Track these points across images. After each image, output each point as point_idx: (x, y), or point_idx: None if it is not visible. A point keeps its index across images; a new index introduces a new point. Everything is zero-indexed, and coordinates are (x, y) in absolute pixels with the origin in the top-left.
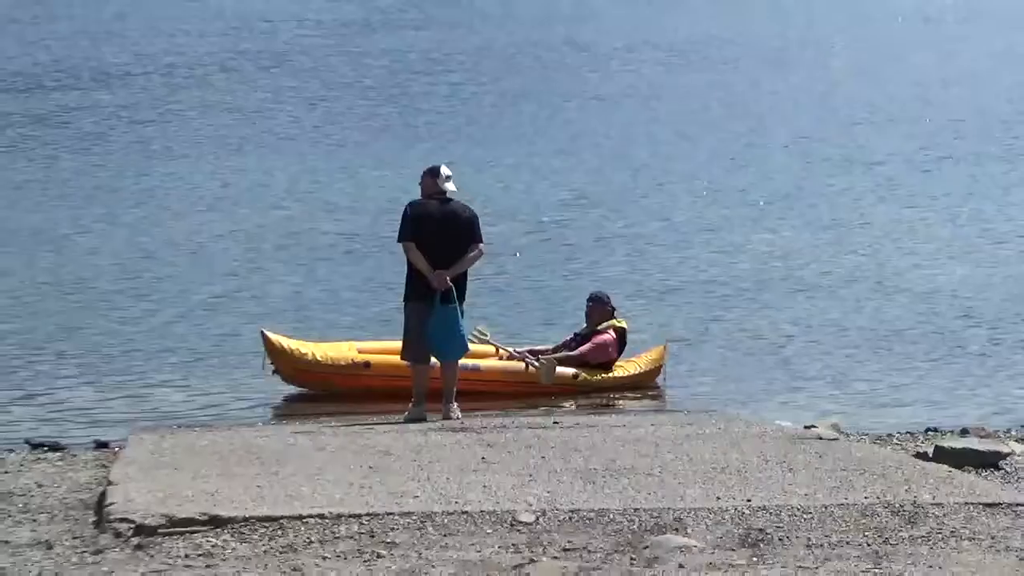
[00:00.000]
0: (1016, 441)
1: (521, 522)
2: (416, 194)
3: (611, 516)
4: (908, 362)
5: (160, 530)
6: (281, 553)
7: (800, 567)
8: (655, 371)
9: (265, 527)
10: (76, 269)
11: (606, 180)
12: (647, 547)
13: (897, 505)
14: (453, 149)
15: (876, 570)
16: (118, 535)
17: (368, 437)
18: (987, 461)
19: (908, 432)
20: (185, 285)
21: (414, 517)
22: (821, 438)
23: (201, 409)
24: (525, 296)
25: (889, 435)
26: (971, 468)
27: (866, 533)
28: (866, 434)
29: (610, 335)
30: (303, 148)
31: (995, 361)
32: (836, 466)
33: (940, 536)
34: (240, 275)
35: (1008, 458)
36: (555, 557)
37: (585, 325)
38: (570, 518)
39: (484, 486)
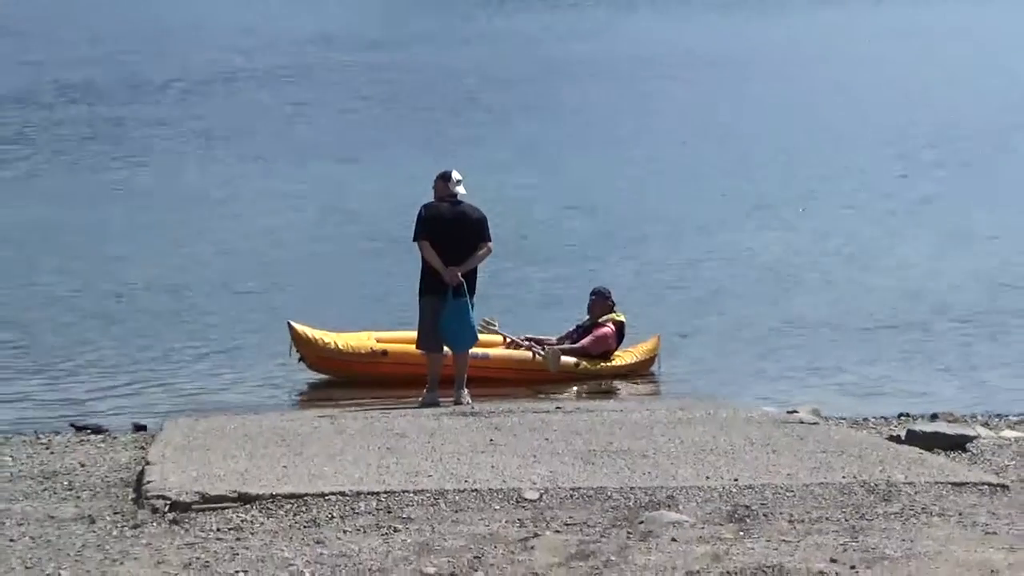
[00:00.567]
0: (982, 425)
1: (526, 499)
2: (429, 197)
3: (609, 494)
4: (883, 353)
5: (194, 506)
6: (305, 527)
7: (783, 541)
8: (650, 360)
9: (290, 503)
10: (120, 267)
11: (607, 185)
12: (642, 522)
13: (872, 484)
14: (464, 155)
15: (853, 544)
16: (155, 511)
17: (385, 421)
18: (955, 444)
19: (882, 417)
20: (218, 282)
21: (428, 494)
22: (802, 422)
23: (231, 395)
24: (530, 290)
25: (865, 420)
26: (940, 450)
27: (844, 509)
28: (844, 419)
29: (610, 328)
30: (326, 155)
31: (963, 352)
32: (816, 448)
33: (912, 512)
34: (268, 272)
35: (974, 441)
36: (557, 531)
37: (587, 317)
38: (571, 495)
39: (492, 466)
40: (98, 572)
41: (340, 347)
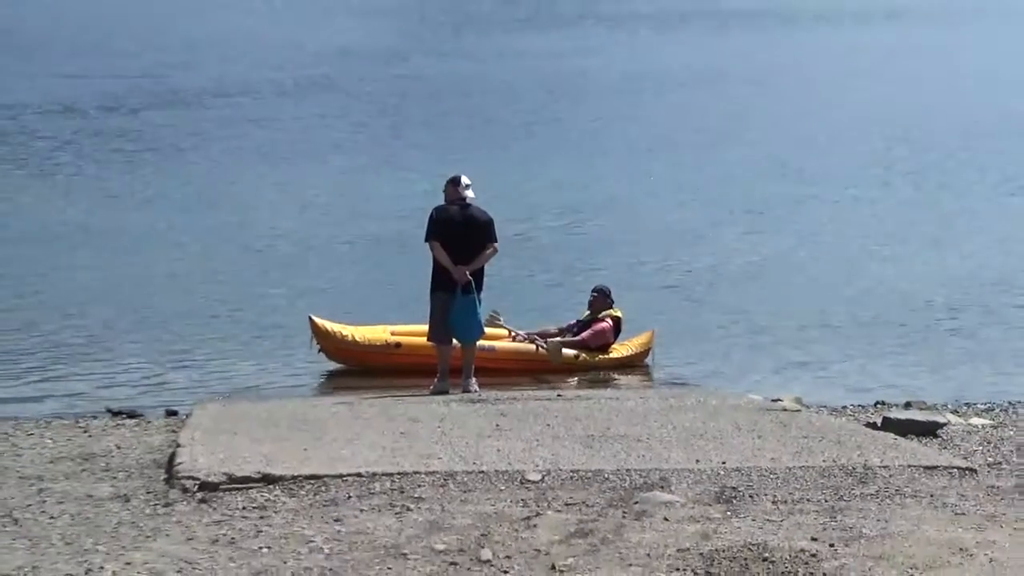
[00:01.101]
0: (951, 413)
1: (529, 480)
2: (440, 200)
3: (606, 476)
4: (861, 346)
5: (221, 486)
6: (324, 506)
7: (767, 520)
8: (644, 353)
9: (311, 484)
10: (153, 264)
11: (607, 189)
12: (636, 502)
13: (850, 467)
14: (474, 161)
15: (832, 523)
16: (185, 490)
17: (399, 407)
18: (927, 430)
19: (860, 405)
20: (244, 278)
21: (438, 476)
22: (786, 410)
23: (257, 383)
24: (533, 287)
25: (844, 407)
26: (913, 436)
27: (824, 491)
28: (824, 407)
29: (608, 323)
30: (346, 161)
31: (935, 346)
32: (798, 434)
33: (887, 494)
34: (291, 269)
35: (944, 428)
36: (558, 510)
37: (587, 312)
38: (571, 477)
39: (498, 449)
40: (132, 547)
41: (357, 339)
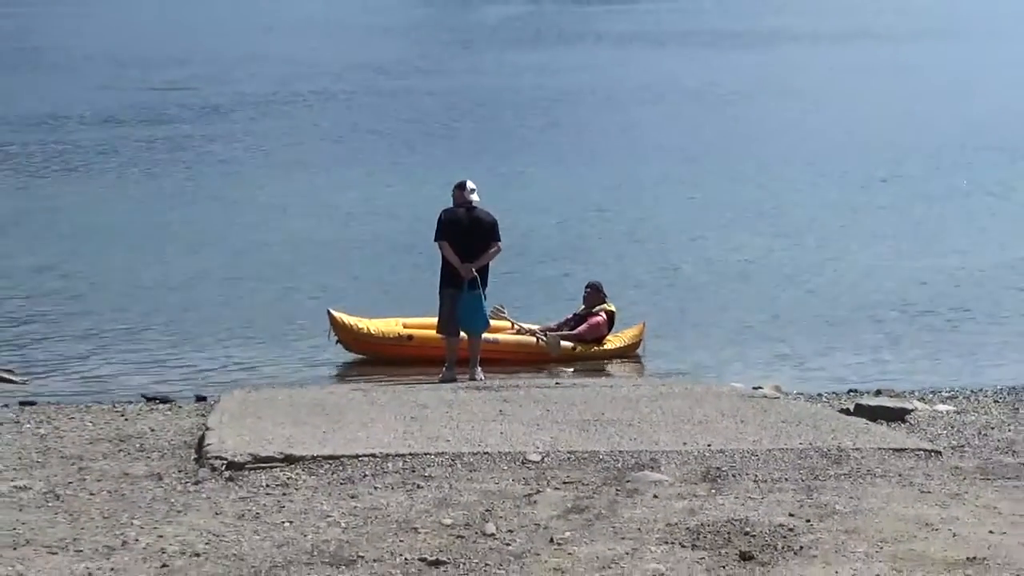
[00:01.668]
0: (918, 400)
1: (530, 461)
2: (448, 203)
3: (600, 457)
4: (835, 338)
5: (247, 466)
6: (341, 484)
7: (749, 498)
8: (636, 344)
9: (329, 464)
10: (185, 262)
11: (603, 194)
12: (629, 481)
13: (825, 449)
14: (479, 167)
15: (808, 500)
16: (214, 469)
17: (410, 394)
18: (896, 416)
19: (834, 392)
20: (268, 275)
21: (446, 456)
22: (766, 397)
23: (279, 371)
24: (534, 283)
25: (819, 394)
26: (883, 421)
27: (800, 471)
28: (801, 394)
29: (602, 316)
30: (362, 167)
31: (903, 338)
32: (777, 419)
33: (859, 474)
34: (311, 266)
35: (912, 413)
36: (557, 488)
37: (583, 307)
38: (568, 458)
39: (501, 432)
40: (164, 521)
41: (372, 331)
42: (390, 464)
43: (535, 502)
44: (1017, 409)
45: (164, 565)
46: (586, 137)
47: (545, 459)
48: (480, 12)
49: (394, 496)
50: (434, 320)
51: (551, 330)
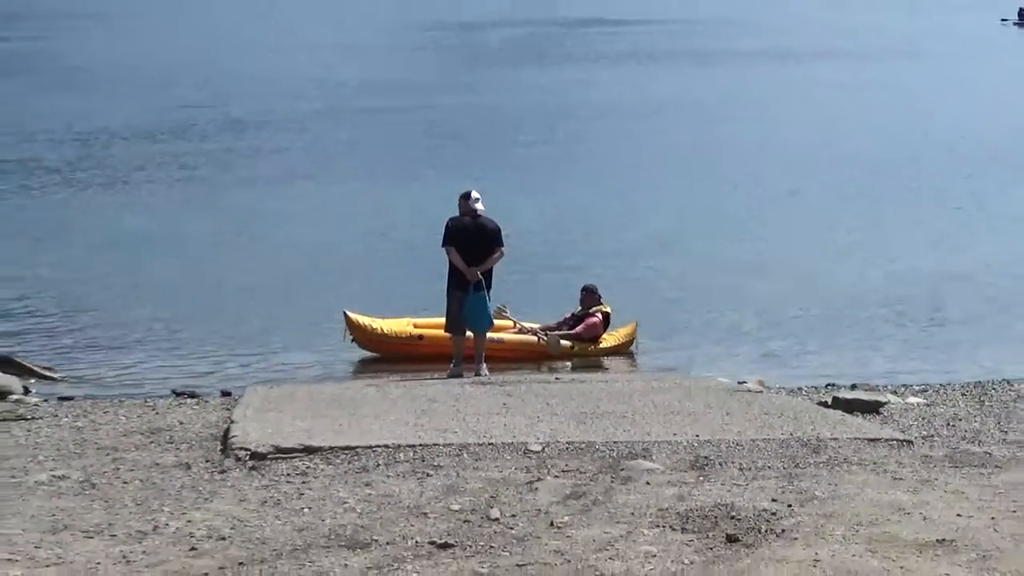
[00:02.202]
0: (891, 393)
1: (531, 451)
2: (455, 211)
3: (597, 447)
4: (814, 336)
5: (269, 456)
6: (357, 473)
7: (735, 484)
8: (629, 342)
9: (345, 454)
10: (212, 268)
11: (600, 204)
12: (623, 469)
13: (805, 439)
14: (483, 178)
15: (789, 487)
16: (238, 459)
17: (420, 389)
18: (870, 408)
19: (813, 386)
20: (288, 279)
21: (453, 447)
22: (750, 391)
23: (299, 368)
24: (534, 285)
25: (799, 388)
26: (859, 413)
27: (782, 460)
28: (783, 388)
29: (599, 317)
30: (377, 178)
31: (877, 336)
32: (761, 411)
33: (836, 462)
34: (328, 270)
35: (885, 406)
36: (556, 476)
37: (580, 308)
38: (567, 448)
39: (505, 424)
40: (193, 508)
41: (385, 331)
42: (402, 454)
43: (536, 489)
44: (983, 402)
45: (192, 548)
46: (583, 149)
47: (545, 449)
48: (484, 34)
49: (406, 484)
50: (442, 320)
51: (551, 329)
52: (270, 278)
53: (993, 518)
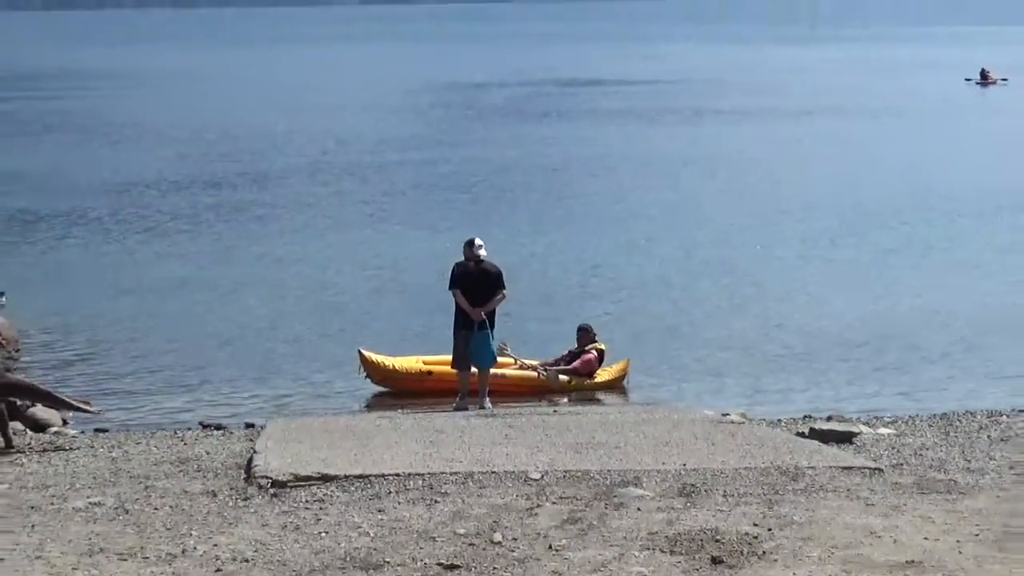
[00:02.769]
0: (864, 424)
1: (531, 478)
2: (460, 257)
3: (592, 475)
4: (792, 371)
5: (289, 484)
6: (370, 500)
7: (719, 510)
8: (622, 377)
9: (359, 482)
10: (236, 312)
11: (595, 249)
12: (616, 496)
13: (784, 468)
14: (487, 225)
15: (770, 512)
16: (260, 487)
17: (429, 421)
18: (844, 438)
19: (791, 418)
20: (307, 320)
21: (459, 475)
22: (733, 422)
23: (316, 402)
24: (534, 324)
25: (779, 420)
26: (834, 443)
27: (763, 487)
28: (763, 419)
29: (594, 354)
30: (389, 227)
31: (850, 371)
32: (743, 441)
33: (813, 489)
34: (344, 312)
35: (858, 436)
36: (554, 503)
37: (577, 345)
38: (564, 476)
39: (507, 454)
40: (218, 532)
41: (396, 367)
42: (411, 482)
43: (536, 514)
44: (948, 432)
45: (218, 570)
46: (581, 199)
47: (544, 477)
48: (491, 93)
49: (415, 510)
50: (449, 357)
51: (550, 365)
52: (290, 319)
53: (958, 541)
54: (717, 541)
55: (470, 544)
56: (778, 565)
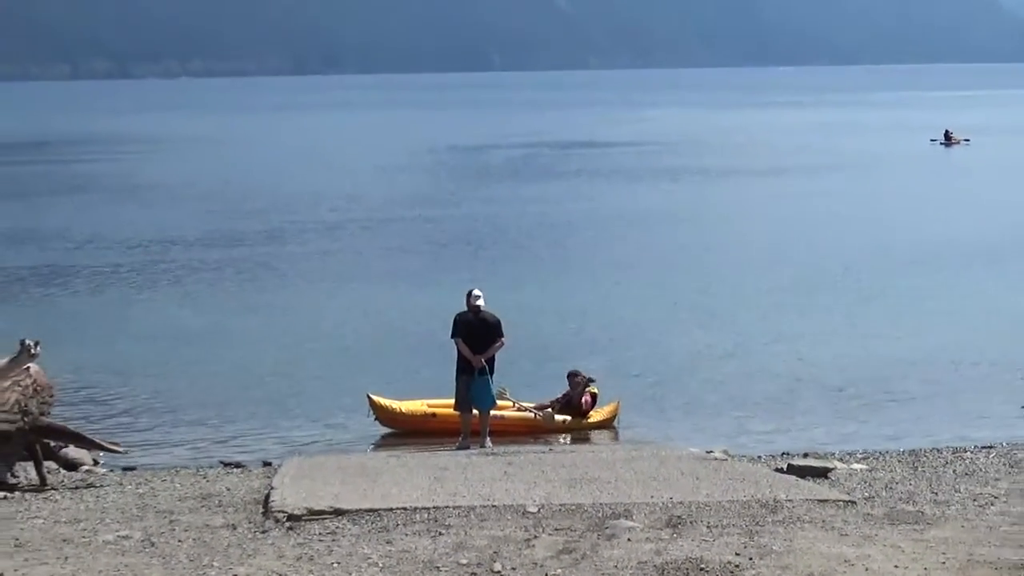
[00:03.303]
0: (838, 460)
1: (529, 512)
2: (461, 307)
3: (585, 508)
4: (771, 411)
5: (303, 518)
6: (379, 532)
7: (703, 540)
8: (613, 417)
9: (369, 515)
10: (253, 357)
11: (587, 299)
12: (607, 528)
13: (764, 501)
14: (488, 277)
15: (751, 542)
16: (277, 521)
17: (433, 459)
18: (820, 473)
19: (771, 455)
20: (319, 366)
21: (462, 509)
22: (716, 458)
23: (329, 442)
24: (531, 369)
25: (759, 456)
26: (810, 477)
27: (744, 519)
28: (744, 456)
29: (588, 397)
30: (394, 279)
31: (826, 411)
32: (726, 476)
33: (791, 520)
34: (354, 359)
35: (833, 471)
36: (550, 534)
37: (569, 389)
38: (560, 509)
39: (506, 489)
40: (238, 563)
41: (403, 410)
42: (418, 515)
43: (533, 545)
44: (916, 467)
45: None
46: (576, 252)
47: (541, 510)
48: (490, 154)
49: (421, 541)
50: (452, 401)
51: (545, 407)
52: (304, 365)
53: (926, 568)
54: (702, 569)
55: (472, 573)
56: None
